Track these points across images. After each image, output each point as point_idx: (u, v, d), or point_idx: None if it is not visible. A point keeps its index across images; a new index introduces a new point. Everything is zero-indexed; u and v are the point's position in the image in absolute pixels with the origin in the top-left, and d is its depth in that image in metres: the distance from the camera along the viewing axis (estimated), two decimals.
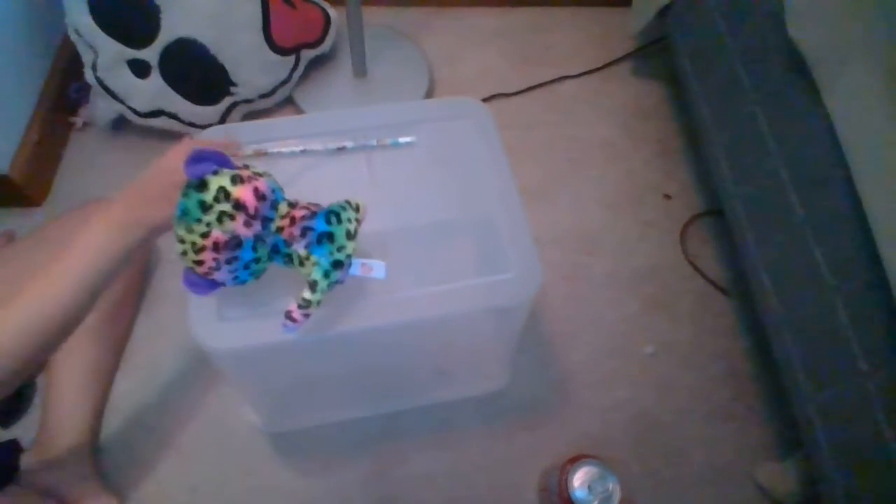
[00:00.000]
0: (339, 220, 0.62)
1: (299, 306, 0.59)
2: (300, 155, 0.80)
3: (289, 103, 1.25)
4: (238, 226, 0.58)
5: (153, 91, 1.09)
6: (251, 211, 0.58)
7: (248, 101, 1.18)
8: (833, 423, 0.76)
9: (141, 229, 0.60)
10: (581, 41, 1.38)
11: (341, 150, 0.81)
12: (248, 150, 0.77)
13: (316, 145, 0.81)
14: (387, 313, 0.68)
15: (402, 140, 0.82)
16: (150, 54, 1.06)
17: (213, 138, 0.77)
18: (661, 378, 1.01)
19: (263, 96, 1.19)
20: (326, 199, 0.65)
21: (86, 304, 0.61)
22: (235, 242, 0.58)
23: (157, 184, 0.61)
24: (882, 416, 0.69)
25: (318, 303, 0.60)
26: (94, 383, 0.91)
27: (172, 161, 0.61)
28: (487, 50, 1.36)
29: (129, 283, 0.99)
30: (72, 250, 0.59)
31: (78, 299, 0.60)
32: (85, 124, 1.19)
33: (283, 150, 0.79)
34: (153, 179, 0.62)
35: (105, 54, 1.05)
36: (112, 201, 0.61)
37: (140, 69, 1.07)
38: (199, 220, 0.57)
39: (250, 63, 1.13)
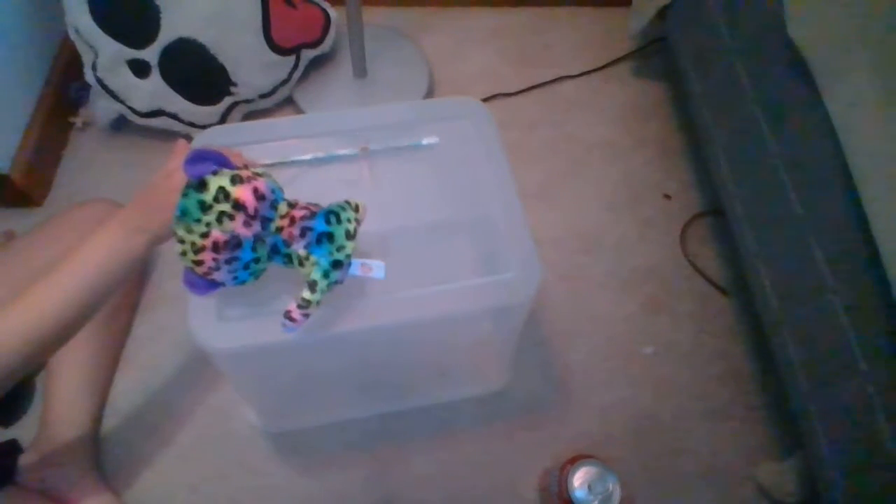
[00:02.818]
0: (339, 220, 0.62)
1: (299, 306, 0.60)
2: (314, 160, 0.80)
3: (289, 103, 1.24)
4: (237, 226, 0.58)
5: (153, 91, 1.09)
6: (251, 211, 0.58)
7: (248, 101, 1.18)
8: (833, 423, 0.76)
9: (143, 235, 0.61)
10: (581, 41, 1.37)
11: (363, 151, 0.81)
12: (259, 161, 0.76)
13: (339, 149, 0.81)
14: (387, 313, 0.68)
15: (425, 141, 0.82)
16: (150, 54, 1.06)
17: (211, 140, 0.77)
18: (660, 378, 1.01)
19: (263, 96, 1.19)
20: (326, 200, 0.65)
21: (87, 312, 0.61)
22: (235, 242, 0.58)
23: (158, 190, 0.61)
24: (882, 416, 0.69)
25: (318, 303, 0.60)
26: (94, 382, 0.91)
27: (171, 164, 0.62)
28: (487, 50, 1.35)
29: (128, 282, 0.99)
30: (75, 258, 0.60)
31: (79, 307, 0.60)
32: (85, 124, 1.19)
33: (303, 157, 0.79)
34: (154, 186, 0.62)
35: (105, 54, 1.05)
36: (118, 211, 0.62)
37: (140, 69, 1.07)
38: (198, 221, 0.57)
39: (250, 63, 1.13)
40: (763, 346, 1.00)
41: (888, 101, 0.69)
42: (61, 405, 0.87)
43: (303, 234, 0.61)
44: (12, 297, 0.59)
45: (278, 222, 0.62)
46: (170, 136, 1.15)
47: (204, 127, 1.05)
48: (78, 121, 1.18)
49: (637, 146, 1.24)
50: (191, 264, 0.60)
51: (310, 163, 0.80)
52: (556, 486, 0.83)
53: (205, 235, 0.58)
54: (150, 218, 0.61)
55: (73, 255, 0.60)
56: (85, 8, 1.02)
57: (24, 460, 0.85)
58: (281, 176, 0.65)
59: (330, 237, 0.61)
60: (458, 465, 0.93)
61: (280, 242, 0.62)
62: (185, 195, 0.58)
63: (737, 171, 0.95)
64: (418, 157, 0.83)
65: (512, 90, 1.29)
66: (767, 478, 0.91)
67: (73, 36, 1.05)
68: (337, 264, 0.61)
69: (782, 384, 0.86)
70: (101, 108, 1.13)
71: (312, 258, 0.61)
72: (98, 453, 0.90)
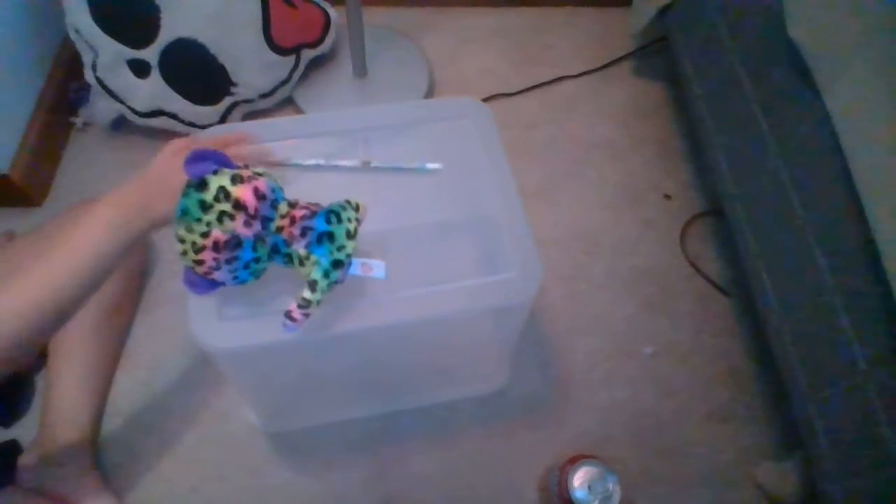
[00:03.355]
0: (339, 220, 0.62)
1: (299, 306, 0.59)
2: (318, 167, 0.80)
3: (289, 103, 1.25)
4: (238, 225, 0.58)
5: (153, 91, 1.09)
6: (251, 211, 0.58)
7: (248, 101, 1.18)
8: (833, 423, 0.76)
9: (141, 219, 0.61)
10: (581, 41, 1.38)
11: (365, 166, 0.81)
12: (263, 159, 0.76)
13: (343, 161, 0.81)
14: (387, 313, 0.68)
15: (429, 166, 0.82)
16: (150, 54, 1.06)
17: (212, 139, 0.77)
18: (660, 378, 1.01)
19: (263, 96, 1.19)
20: (326, 199, 0.65)
21: (85, 290, 0.61)
22: (235, 242, 0.59)
23: (160, 170, 0.61)
24: (882, 416, 0.69)
25: (318, 302, 0.60)
26: (94, 382, 0.91)
27: (176, 143, 0.62)
28: (487, 50, 1.36)
29: (127, 281, 0.99)
30: (72, 238, 0.59)
31: (76, 287, 0.60)
32: (85, 124, 1.19)
33: (306, 163, 0.79)
34: (155, 172, 0.62)
35: (105, 54, 1.05)
36: (114, 192, 0.62)
37: (140, 69, 1.07)
38: (199, 220, 0.57)
39: (250, 63, 1.13)
40: (763, 346, 1.00)
41: (888, 102, 0.69)
42: (61, 405, 0.87)
43: (303, 234, 0.61)
44: (9, 277, 0.59)
45: (279, 222, 0.62)
46: (170, 136, 1.14)
47: (204, 127, 1.05)
48: (78, 121, 1.18)
49: (637, 146, 1.24)
50: (191, 264, 0.60)
51: (312, 169, 0.80)
52: (556, 485, 0.83)
53: (205, 235, 0.58)
54: (151, 199, 0.61)
55: (70, 235, 0.59)
56: (85, 8, 1.02)
57: (24, 460, 0.85)
58: (281, 176, 0.65)
59: (330, 237, 0.61)
60: (458, 465, 0.93)
61: (280, 242, 0.62)
62: (185, 195, 0.58)
63: (737, 171, 0.95)
64: (419, 157, 0.83)
65: (512, 90, 1.29)
66: (767, 478, 0.91)
67: (73, 36, 1.05)
68: (337, 264, 0.61)
69: (782, 384, 0.86)
70: (101, 108, 1.13)
71: (313, 258, 0.61)
72: (98, 453, 0.90)
